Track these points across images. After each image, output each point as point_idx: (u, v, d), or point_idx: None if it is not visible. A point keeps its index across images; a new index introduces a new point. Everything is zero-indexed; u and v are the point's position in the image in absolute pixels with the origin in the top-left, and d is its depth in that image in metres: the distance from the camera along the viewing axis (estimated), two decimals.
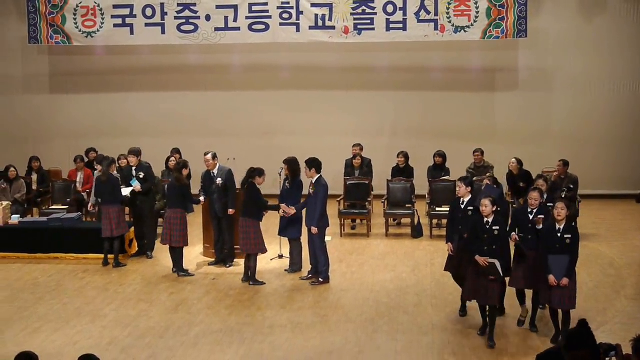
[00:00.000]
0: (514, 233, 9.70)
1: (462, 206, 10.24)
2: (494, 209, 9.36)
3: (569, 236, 9.07)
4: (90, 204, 14.29)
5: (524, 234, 9.70)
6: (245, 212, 11.99)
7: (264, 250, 12.11)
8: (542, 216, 9.63)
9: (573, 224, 10.28)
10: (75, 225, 13.87)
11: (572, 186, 14.61)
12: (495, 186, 11.56)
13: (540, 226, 9.54)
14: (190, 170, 13.50)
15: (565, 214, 9.09)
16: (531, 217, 9.62)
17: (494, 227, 9.31)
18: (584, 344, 5.81)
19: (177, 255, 12.62)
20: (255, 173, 11.99)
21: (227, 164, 13.28)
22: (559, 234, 9.09)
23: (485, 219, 9.35)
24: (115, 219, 13.09)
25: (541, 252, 9.20)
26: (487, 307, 9.46)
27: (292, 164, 12.40)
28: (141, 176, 13.77)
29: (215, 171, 12.98)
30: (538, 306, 9.81)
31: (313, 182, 11.99)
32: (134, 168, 13.83)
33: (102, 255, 13.28)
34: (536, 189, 10.00)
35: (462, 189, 10.29)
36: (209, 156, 13.01)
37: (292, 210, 12.20)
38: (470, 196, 10.22)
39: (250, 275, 11.98)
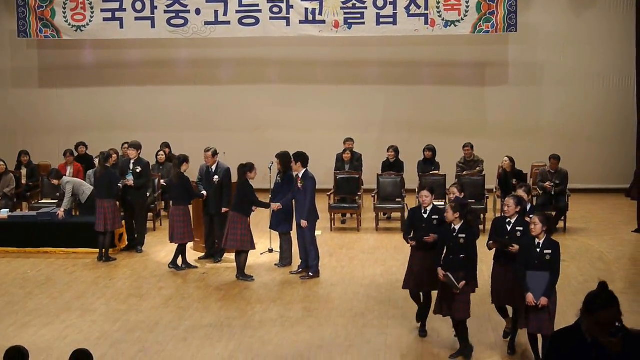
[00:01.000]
0: (491, 242, 8.98)
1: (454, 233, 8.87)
2: (458, 215, 8.76)
3: (549, 251, 8.13)
4: (60, 210, 13.87)
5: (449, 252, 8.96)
6: (235, 207, 11.99)
7: (248, 247, 11.94)
8: (492, 241, 8.95)
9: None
10: (64, 219, 13.80)
11: (557, 182, 14.66)
12: (462, 195, 10.29)
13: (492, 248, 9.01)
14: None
15: (540, 229, 8.16)
16: (509, 227, 8.88)
17: (459, 235, 8.71)
18: (610, 301, 5.09)
19: (179, 251, 12.58)
20: (246, 169, 11.97)
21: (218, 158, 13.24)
22: (538, 249, 8.22)
23: (453, 226, 8.77)
24: (110, 213, 13.05)
25: (518, 268, 8.37)
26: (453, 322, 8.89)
27: (283, 158, 12.40)
28: (138, 170, 13.75)
29: (214, 168, 12.93)
30: (517, 325, 8.92)
31: (300, 176, 11.98)
32: (132, 161, 13.79)
33: (92, 250, 13.27)
34: (512, 196, 9.17)
35: (449, 214, 8.90)
36: (209, 153, 12.95)
37: (278, 205, 12.22)
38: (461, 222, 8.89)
39: (238, 270, 11.97)
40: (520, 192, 9.58)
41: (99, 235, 13.12)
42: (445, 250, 8.84)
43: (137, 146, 13.93)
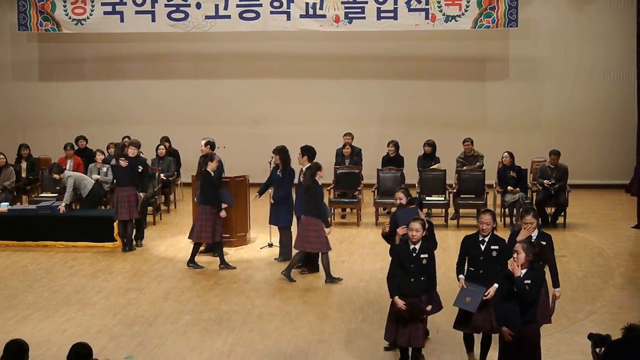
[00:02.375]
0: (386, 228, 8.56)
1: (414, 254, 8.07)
2: (424, 233, 8.05)
3: (529, 281, 7.11)
4: (62, 205, 13.86)
5: (475, 267, 8.19)
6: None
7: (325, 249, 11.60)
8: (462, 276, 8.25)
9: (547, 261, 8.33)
10: (64, 213, 13.79)
11: (554, 181, 14.65)
12: (411, 205, 9.22)
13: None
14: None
15: (523, 259, 7.09)
16: (482, 246, 8.09)
17: (421, 256, 7.96)
18: None
19: (219, 249, 12.35)
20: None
21: (217, 152, 13.23)
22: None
23: (412, 246, 7.98)
24: (134, 201, 13.12)
25: (495, 298, 7.68)
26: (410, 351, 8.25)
27: (282, 153, 12.39)
28: (140, 169, 13.76)
29: None
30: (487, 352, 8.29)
31: (304, 169, 11.95)
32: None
33: (92, 243, 13.35)
34: (488, 211, 8.31)
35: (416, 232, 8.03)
36: (202, 142, 13.01)
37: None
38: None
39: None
40: (529, 218, 8.28)
41: (121, 224, 13.27)
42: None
43: (137, 145, 13.93)
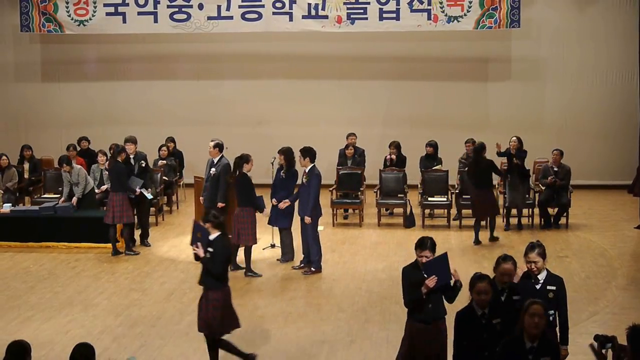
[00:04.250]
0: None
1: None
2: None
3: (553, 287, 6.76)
4: (74, 199, 14.06)
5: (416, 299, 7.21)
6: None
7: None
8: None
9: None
10: (67, 214, 13.82)
11: (554, 178, 14.64)
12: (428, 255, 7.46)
13: None
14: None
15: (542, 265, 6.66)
16: (426, 275, 7.05)
17: (494, 321, 6.65)
18: None
19: (246, 255, 12.06)
20: (243, 160, 11.95)
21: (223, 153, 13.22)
22: (538, 286, 6.83)
23: (480, 310, 6.64)
24: (126, 205, 12.99)
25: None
26: None
27: (287, 154, 12.38)
28: (143, 165, 13.81)
29: (215, 160, 12.90)
30: None
31: (306, 171, 11.97)
32: (132, 157, 13.79)
33: (94, 244, 13.39)
34: (512, 260, 7.00)
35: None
36: (211, 144, 12.92)
37: (284, 203, 12.21)
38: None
39: (246, 266, 11.97)
40: (533, 256, 6.99)
41: (110, 228, 13.17)
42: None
43: (134, 140, 13.95)
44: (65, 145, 16.64)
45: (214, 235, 8.23)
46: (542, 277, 6.97)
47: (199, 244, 8.20)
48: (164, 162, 16.20)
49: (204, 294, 8.32)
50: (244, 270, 11.99)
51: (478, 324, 6.59)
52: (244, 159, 11.95)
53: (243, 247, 12.03)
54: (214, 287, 8.25)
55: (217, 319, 8.25)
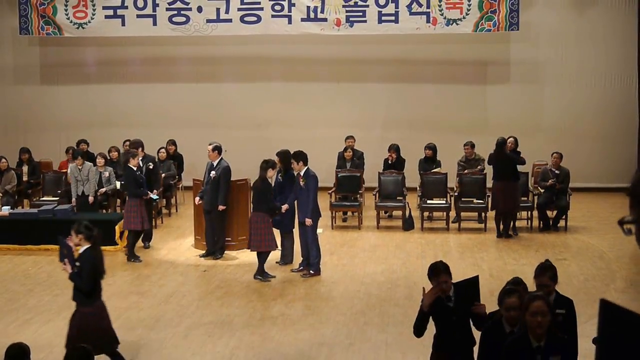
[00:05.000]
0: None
1: None
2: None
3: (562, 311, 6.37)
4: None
5: None
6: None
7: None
8: None
9: None
10: (66, 216, 13.81)
11: (554, 181, 14.65)
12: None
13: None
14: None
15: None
16: (454, 298, 6.65)
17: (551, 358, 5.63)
18: None
19: (260, 260, 11.91)
20: (269, 165, 11.88)
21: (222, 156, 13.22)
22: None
23: (536, 344, 5.57)
24: (145, 211, 12.91)
25: None
26: None
27: (284, 157, 12.39)
28: (150, 167, 13.88)
29: (215, 163, 12.92)
30: None
31: (301, 174, 11.98)
32: (140, 159, 13.80)
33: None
34: (538, 298, 5.72)
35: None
36: (210, 147, 12.94)
37: (286, 206, 12.21)
38: None
39: (258, 269, 11.91)
40: (545, 280, 6.58)
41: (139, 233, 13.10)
42: None
43: (142, 144, 14.07)
44: (64, 148, 16.65)
45: (83, 248, 7.76)
46: (551, 299, 6.35)
47: (66, 260, 7.77)
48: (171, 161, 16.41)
49: (75, 311, 7.91)
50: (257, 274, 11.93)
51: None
52: (270, 164, 11.87)
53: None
54: (84, 303, 7.81)
55: (89, 337, 7.43)
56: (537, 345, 5.56)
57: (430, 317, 6.71)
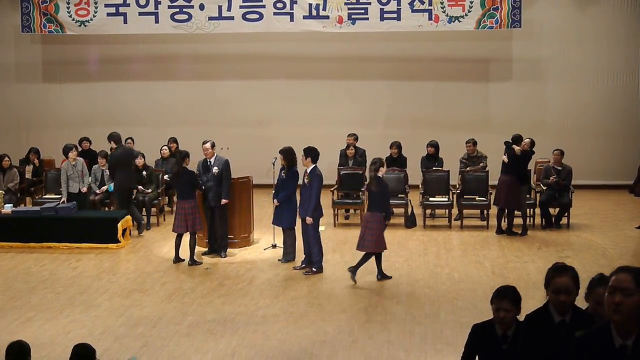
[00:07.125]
0: None
1: None
2: None
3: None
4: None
5: None
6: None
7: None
8: None
9: None
10: (68, 214, 13.83)
11: (557, 178, 14.64)
12: None
13: None
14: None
15: None
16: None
17: None
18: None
19: (377, 261, 11.65)
20: (378, 165, 11.75)
21: (220, 153, 13.24)
22: None
23: None
24: (190, 214, 12.52)
25: None
26: None
27: (288, 154, 12.37)
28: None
29: (212, 160, 12.93)
30: None
31: (308, 171, 11.96)
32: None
33: (96, 245, 13.37)
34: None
35: None
36: (208, 145, 12.94)
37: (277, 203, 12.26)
38: None
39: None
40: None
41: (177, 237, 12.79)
42: None
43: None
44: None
45: None
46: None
47: None
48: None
49: None
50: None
51: (554, 334, 5.02)
52: (379, 164, 11.80)
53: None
54: None
55: None
56: (561, 319, 5.05)
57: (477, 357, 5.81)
